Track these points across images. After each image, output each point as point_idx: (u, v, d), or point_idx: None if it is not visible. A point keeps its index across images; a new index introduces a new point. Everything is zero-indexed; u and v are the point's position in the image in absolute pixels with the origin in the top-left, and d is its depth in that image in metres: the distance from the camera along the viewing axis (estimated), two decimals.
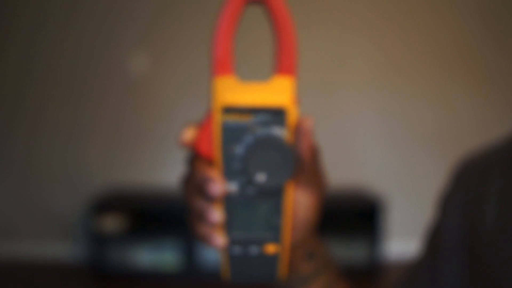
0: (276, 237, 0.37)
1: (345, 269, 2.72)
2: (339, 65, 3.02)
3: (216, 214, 0.34)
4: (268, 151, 0.33)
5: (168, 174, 3.02)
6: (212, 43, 0.39)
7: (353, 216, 2.95)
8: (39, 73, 2.95)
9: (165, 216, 2.86)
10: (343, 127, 3.05)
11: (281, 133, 0.34)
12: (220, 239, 0.35)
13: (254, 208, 0.36)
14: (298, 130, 0.34)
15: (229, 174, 0.34)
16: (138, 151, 3.01)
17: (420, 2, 3.02)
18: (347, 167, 3.07)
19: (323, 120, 3.04)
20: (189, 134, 0.35)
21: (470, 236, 0.49)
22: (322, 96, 3.04)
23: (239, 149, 0.34)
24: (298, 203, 0.38)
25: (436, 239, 0.53)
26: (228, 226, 0.36)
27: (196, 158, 0.36)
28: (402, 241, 3.07)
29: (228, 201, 0.35)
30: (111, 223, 2.65)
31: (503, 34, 3.06)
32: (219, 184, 0.33)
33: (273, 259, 0.38)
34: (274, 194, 0.35)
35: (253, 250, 0.37)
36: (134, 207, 2.88)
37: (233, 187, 0.35)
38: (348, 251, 2.74)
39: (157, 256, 2.71)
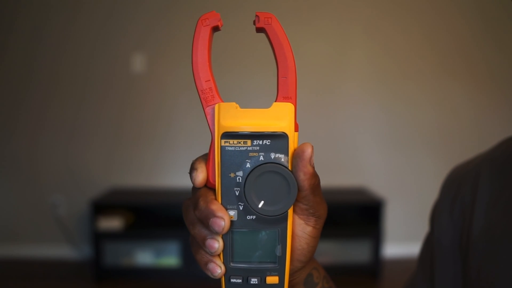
0: (278, 268, 0.35)
1: (345, 270, 2.71)
2: (339, 65, 3.02)
3: (216, 244, 0.33)
4: (269, 177, 0.32)
5: (167, 174, 3.02)
6: (193, 76, 0.38)
7: (353, 216, 2.95)
8: (39, 75, 2.95)
9: (165, 216, 2.86)
10: (343, 127, 3.05)
11: (283, 159, 0.33)
12: (218, 269, 0.35)
13: (255, 237, 0.34)
14: (298, 156, 0.33)
15: (228, 201, 0.33)
16: (138, 151, 3.00)
17: (421, 2, 3.02)
18: (347, 167, 3.07)
19: (323, 120, 3.04)
20: (202, 174, 0.34)
21: (461, 242, 0.49)
22: (322, 96, 3.03)
23: (238, 175, 0.33)
24: (298, 232, 0.36)
25: (430, 249, 0.54)
26: (228, 255, 0.35)
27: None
28: (403, 241, 3.06)
29: (228, 232, 0.34)
30: (111, 223, 2.65)
31: (503, 34, 3.06)
32: (223, 220, 0.32)
33: None
34: (276, 223, 0.34)
35: (254, 281, 0.35)
36: (134, 207, 2.88)
37: (232, 215, 0.34)
38: (348, 252, 2.74)
39: (157, 256, 2.71)
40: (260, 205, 0.33)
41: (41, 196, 3.00)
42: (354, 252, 2.73)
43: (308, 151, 0.33)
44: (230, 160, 0.33)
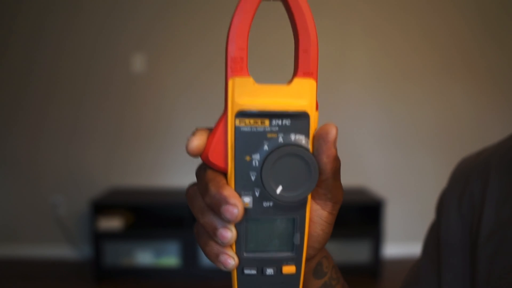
0: (295, 257, 0.33)
1: (345, 270, 2.72)
2: (339, 65, 3.02)
3: (229, 234, 0.30)
4: (289, 161, 0.30)
5: (167, 174, 3.02)
6: (227, 41, 0.30)
7: (353, 216, 2.95)
8: (39, 75, 2.95)
9: (165, 216, 2.86)
10: (343, 127, 3.05)
11: (304, 140, 0.30)
12: (231, 260, 0.31)
13: (271, 225, 0.32)
14: (322, 138, 0.30)
15: (243, 186, 0.30)
16: (138, 152, 3.01)
17: (421, 2, 3.02)
18: (347, 167, 3.07)
19: (323, 120, 3.04)
20: (198, 141, 0.31)
21: (470, 239, 0.48)
22: (322, 96, 3.04)
23: (255, 159, 0.30)
24: (314, 217, 0.34)
25: (436, 238, 0.53)
26: (241, 245, 0.32)
27: (208, 168, 0.32)
28: (402, 241, 3.06)
29: (242, 220, 0.31)
30: (111, 223, 2.65)
31: (503, 34, 3.06)
32: (236, 207, 0.29)
33: (293, 281, 0.34)
34: (294, 210, 0.31)
35: (269, 272, 0.33)
36: (134, 208, 2.88)
37: (247, 201, 0.31)
38: (349, 252, 2.74)
39: (157, 256, 2.71)
40: (278, 191, 0.30)
41: (41, 196, 3.00)
42: (354, 252, 2.73)
43: (332, 132, 0.30)
44: (245, 142, 0.30)
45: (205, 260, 2.67)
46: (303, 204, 0.31)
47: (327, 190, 0.33)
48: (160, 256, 2.71)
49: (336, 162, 0.32)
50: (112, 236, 2.65)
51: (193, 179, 2.83)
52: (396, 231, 3.06)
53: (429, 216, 3.11)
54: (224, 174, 0.31)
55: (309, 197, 0.32)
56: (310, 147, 0.31)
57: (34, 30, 2.92)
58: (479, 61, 3.06)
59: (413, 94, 3.07)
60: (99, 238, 2.64)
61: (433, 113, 3.08)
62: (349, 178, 3.06)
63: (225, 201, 0.29)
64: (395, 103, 3.07)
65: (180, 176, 2.97)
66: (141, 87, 2.98)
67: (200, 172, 0.32)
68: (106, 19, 2.93)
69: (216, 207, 0.30)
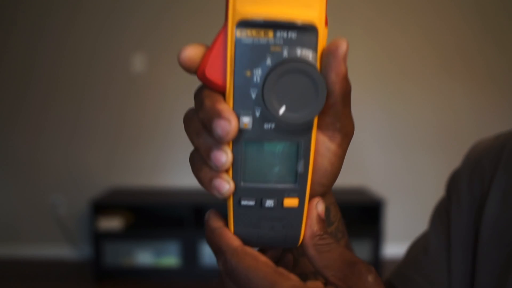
0: (298, 189, 0.30)
1: None
2: None
3: (223, 156, 0.28)
4: (294, 78, 0.27)
5: (168, 174, 3.02)
6: None
7: (353, 216, 2.95)
8: (39, 75, 2.95)
9: (165, 216, 2.86)
10: None
11: (311, 56, 0.27)
12: (226, 184, 0.29)
13: (272, 150, 0.29)
14: (330, 53, 0.27)
15: (242, 105, 0.28)
16: (139, 152, 3.01)
17: (421, 2, 3.02)
18: (347, 167, 3.06)
19: None
20: (193, 51, 0.28)
21: (475, 226, 0.48)
22: None
23: (256, 74, 0.27)
24: (321, 150, 0.31)
25: (445, 215, 0.52)
26: (238, 173, 0.29)
27: (205, 87, 0.29)
28: (403, 241, 3.06)
29: (240, 141, 0.28)
30: (111, 223, 2.65)
31: (503, 34, 3.06)
32: (228, 121, 0.27)
33: (295, 216, 0.31)
34: (298, 133, 0.29)
35: (269, 204, 0.30)
36: (134, 208, 2.88)
37: (246, 122, 0.28)
38: None
39: (157, 256, 2.71)
40: (281, 111, 0.27)
41: (41, 196, 3.00)
42: (354, 251, 2.73)
43: (343, 46, 0.27)
44: (246, 55, 0.27)
45: (205, 260, 2.67)
46: (308, 127, 0.29)
47: (335, 118, 0.30)
48: (160, 256, 2.71)
49: (346, 83, 0.29)
50: (112, 236, 2.65)
51: (193, 179, 2.83)
52: (396, 231, 3.06)
53: (429, 215, 3.11)
54: (223, 94, 0.28)
55: (315, 121, 0.29)
56: (318, 65, 0.28)
57: (35, 30, 2.92)
58: (479, 61, 3.07)
59: (413, 94, 3.07)
60: (99, 238, 2.64)
61: (433, 113, 3.08)
62: (349, 178, 3.06)
63: (218, 115, 0.27)
64: (395, 103, 3.07)
65: (181, 176, 2.97)
66: (141, 87, 2.98)
67: (198, 92, 0.30)
68: (107, 19, 2.93)
69: (208, 122, 0.27)
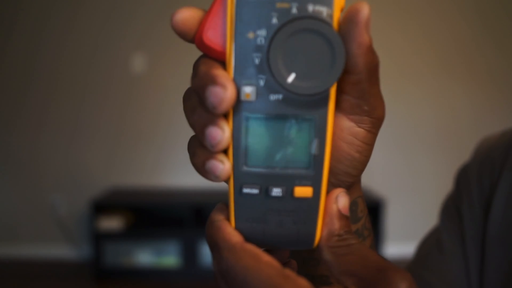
0: (313, 176, 0.25)
1: None
2: None
3: (219, 132, 0.24)
4: (305, 39, 0.22)
5: (168, 174, 3.02)
6: None
7: None
8: (40, 74, 2.95)
9: (165, 216, 2.86)
10: None
11: (325, 13, 0.23)
12: (219, 165, 0.24)
13: (280, 128, 0.24)
14: (349, 19, 0.23)
15: (243, 73, 0.24)
16: (139, 151, 3.01)
17: (420, 2, 3.02)
18: None
19: None
20: (188, 13, 0.24)
21: (481, 222, 0.48)
22: None
23: (260, 36, 0.23)
24: (347, 137, 0.26)
25: (455, 210, 0.52)
26: (240, 155, 0.25)
27: (204, 56, 0.26)
28: (403, 241, 3.06)
29: (241, 116, 0.24)
30: (112, 223, 2.65)
31: (503, 34, 3.06)
32: (223, 87, 0.22)
33: (309, 209, 0.25)
34: (312, 107, 0.24)
35: (276, 192, 0.25)
36: (134, 208, 2.88)
37: (248, 93, 0.24)
38: None
39: (157, 256, 2.71)
40: (290, 79, 0.23)
41: (41, 196, 3.00)
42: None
43: (364, 11, 0.23)
44: (249, 14, 0.23)
45: (205, 260, 2.67)
46: (323, 100, 0.24)
47: (362, 99, 0.25)
48: (160, 256, 2.71)
49: (372, 55, 0.24)
50: (112, 236, 2.65)
51: (194, 178, 2.84)
52: (396, 231, 3.06)
53: (430, 215, 3.11)
54: (224, 64, 0.24)
55: (333, 92, 0.24)
56: (333, 22, 0.23)
57: (35, 29, 2.91)
58: (478, 61, 3.07)
59: (412, 94, 3.07)
60: (99, 238, 2.64)
61: (432, 112, 3.09)
62: None
63: (212, 81, 0.23)
64: (394, 103, 3.07)
65: (181, 176, 2.96)
66: (142, 87, 2.98)
67: (196, 61, 0.26)
68: (107, 19, 2.93)
69: (201, 90, 0.23)
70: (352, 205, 0.31)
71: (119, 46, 2.94)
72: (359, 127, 0.26)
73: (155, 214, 2.90)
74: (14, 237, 3.03)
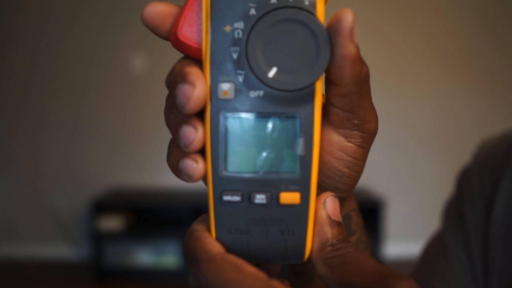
0: (300, 180, 0.23)
1: None
2: None
3: (192, 132, 0.22)
4: (286, 30, 0.21)
5: (168, 174, 3.01)
6: None
7: None
8: (40, 74, 2.95)
9: (165, 216, 2.86)
10: None
11: (309, 2, 0.21)
12: (192, 164, 0.23)
13: (262, 127, 0.22)
14: (332, 31, 0.21)
15: (221, 69, 0.22)
16: (140, 151, 3.01)
17: (420, 2, 3.02)
18: None
19: None
20: (158, 7, 0.23)
21: (483, 224, 0.48)
22: None
23: (237, 28, 0.21)
24: (335, 152, 0.25)
25: (458, 212, 0.51)
26: (219, 159, 0.23)
27: (184, 57, 0.24)
28: (403, 241, 3.06)
29: (218, 115, 0.22)
30: (112, 223, 2.65)
31: (503, 34, 3.06)
32: (192, 85, 0.21)
33: (297, 217, 0.23)
34: (296, 104, 0.22)
35: (260, 199, 0.23)
36: (135, 208, 2.88)
37: (226, 90, 0.22)
38: None
39: (157, 256, 2.71)
40: (271, 74, 0.21)
41: (41, 196, 3.00)
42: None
43: (347, 19, 0.21)
44: (225, 6, 0.21)
45: None
46: (308, 95, 0.22)
47: (351, 112, 0.24)
48: (160, 256, 2.71)
49: (359, 67, 0.22)
50: (112, 236, 2.65)
51: None
52: (396, 231, 3.06)
53: (429, 215, 3.11)
54: (201, 63, 0.23)
55: (320, 86, 0.22)
56: (316, 12, 0.22)
57: (35, 29, 2.92)
58: (478, 61, 3.07)
59: (412, 94, 3.07)
60: (99, 238, 2.64)
61: (432, 113, 3.09)
62: None
63: (182, 78, 0.22)
64: (394, 103, 3.07)
65: None
66: (142, 87, 2.98)
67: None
68: (107, 19, 2.93)
69: (172, 88, 0.23)
70: (345, 218, 0.30)
71: (120, 45, 2.94)
72: (349, 141, 0.25)
73: (156, 214, 2.91)
74: (14, 237, 3.03)
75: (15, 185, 3.01)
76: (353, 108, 0.24)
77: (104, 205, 2.69)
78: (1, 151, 3.00)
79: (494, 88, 3.09)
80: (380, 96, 3.06)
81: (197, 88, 0.21)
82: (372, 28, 3.02)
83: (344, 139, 0.25)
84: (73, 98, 2.97)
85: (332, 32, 0.21)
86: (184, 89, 0.21)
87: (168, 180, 3.02)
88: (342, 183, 0.26)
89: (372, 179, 3.09)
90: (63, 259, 2.98)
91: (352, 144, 0.25)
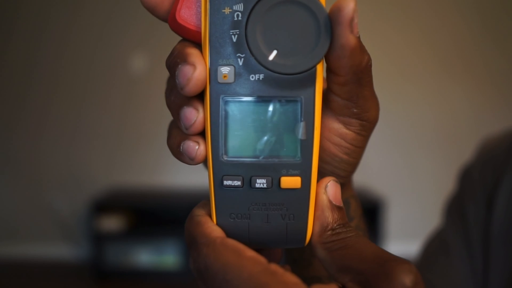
0: (301, 164, 0.22)
1: None
2: None
3: (193, 113, 0.22)
4: (286, 12, 0.20)
5: (169, 174, 3.02)
6: None
7: None
8: (41, 74, 2.95)
9: (165, 216, 2.86)
10: None
11: None
12: (194, 146, 0.23)
13: (263, 111, 0.22)
14: (332, 18, 0.21)
15: (220, 52, 0.21)
16: (140, 151, 3.01)
17: (419, 2, 3.02)
18: None
19: None
20: None
21: (485, 222, 0.48)
22: None
23: (237, 10, 0.21)
24: (334, 138, 0.25)
25: (460, 209, 0.51)
26: (219, 144, 0.22)
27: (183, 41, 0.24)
28: (402, 241, 3.06)
29: (218, 99, 0.22)
30: (112, 223, 2.65)
31: (503, 34, 3.06)
32: (192, 66, 0.21)
33: (298, 201, 0.23)
34: (297, 87, 0.22)
35: (260, 184, 0.23)
36: (134, 207, 2.88)
37: (226, 73, 0.22)
38: None
39: (157, 256, 2.71)
40: (271, 57, 0.21)
41: (41, 196, 3.00)
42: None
43: (348, 7, 0.20)
44: None
45: None
46: (310, 78, 0.22)
47: (350, 100, 0.24)
48: (160, 256, 2.71)
49: (359, 57, 0.22)
50: (112, 236, 2.65)
51: (195, 178, 2.84)
52: (396, 231, 3.06)
53: (429, 215, 3.10)
54: (200, 46, 0.22)
55: (321, 69, 0.22)
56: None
57: (35, 29, 2.92)
58: (478, 61, 3.07)
59: (412, 95, 3.07)
60: (99, 238, 2.64)
61: (432, 113, 3.09)
62: None
63: (182, 59, 0.21)
64: (394, 103, 3.07)
65: (182, 175, 2.96)
66: (142, 86, 2.98)
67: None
68: (107, 19, 2.93)
69: (172, 70, 0.22)
70: (344, 204, 0.29)
71: (120, 45, 2.94)
72: (348, 129, 0.25)
73: (156, 214, 2.91)
74: (14, 237, 3.03)
75: (15, 185, 3.01)
76: (352, 97, 0.24)
77: (104, 205, 2.69)
78: (1, 151, 3.00)
79: (494, 88, 3.09)
80: (380, 96, 3.04)
81: (197, 70, 0.21)
82: (372, 28, 3.01)
83: (343, 126, 0.25)
84: (73, 98, 2.97)
85: (332, 21, 0.21)
86: (184, 70, 0.21)
87: (168, 180, 3.02)
88: (341, 169, 0.26)
89: (372, 178, 3.09)
90: (63, 259, 2.98)
91: (350, 132, 0.25)
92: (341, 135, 0.25)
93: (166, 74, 0.26)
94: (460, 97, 3.08)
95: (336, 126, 0.25)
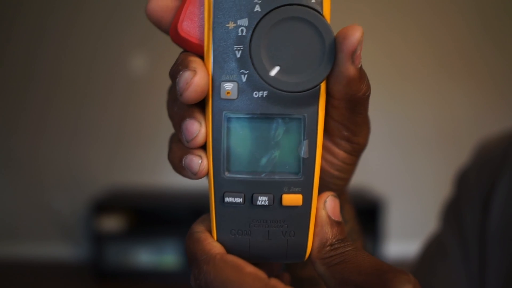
0: (303, 182, 0.22)
1: None
2: None
3: (195, 125, 0.22)
4: (291, 29, 0.20)
5: (168, 174, 3.02)
6: None
7: None
8: (41, 74, 2.95)
9: (165, 216, 2.86)
10: None
11: (315, 0, 0.20)
12: (197, 160, 0.23)
13: (266, 129, 0.22)
14: (337, 41, 0.21)
15: (223, 68, 0.21)
16: (141, 151, 3.01)
17: (419, 2, 3.02)
18: None
19: None
20: (162, 1, 0.23)
21: (481, 224, 0.48)
22: None
23: (241, 25, 0.21)
24: (327, 156, 0.25)
25: (458, 213, 0.51)
26: (221, 160, 0.23)
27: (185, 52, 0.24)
28: (402, 242, 3.06)
29: (221, 116, 0.22)
30: (112, 223, 2.65)
31: (503, 34, 3.06)
32: (193, 72, 0.21)
33: (299, 218, 0.23)
34: (299, 105, 0.21)
35: (262, 201, 0.23)
36: (134, 207, 2.88)
37: (229, 90, 0.21)
38: None
39: (157, 256, 2.71)
40: (273, 72, 0.21)
41: (41, 196, 3.00)
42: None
43: (354, 36, 0.20)
44: (228, 2, 0.21)
45: None
46: (313, 96, 0.21)
47: (341, 123, 0.24)
48: (160, 256, 2.71)
49: (356, 87, 0.22)
50: (112, 236, 2.65)
51: (195, 179, 2.83)
52: (396, 231, 3.06)
53: (429, 215, 3.10)
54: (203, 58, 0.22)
55: (324, 88, 0.22)
56: (323, 10, 0.21)
57: (35, 29, 2.92)
58: (478, 61, 3.07)
59: (412, 95, 3.07)
60: (99, 238, 2.64)
61: (432, 113, 3.09)
62: None
63: (184, 66, 0.21)
64: (394, 103, 3.07)
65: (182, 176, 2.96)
66: (142, 86, 2.98)
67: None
68: (108, 18, 2.93)
69: (174, 77, 0.22)
70: None
71: (120, 45, 2.95)
72: (339, 149, 0.25)
73: (156, 214, 2.91)
74: (14, 237, 3.03)
75: (15, 185, 3.01)
76: (343, 120, 0.24)
77: (104, 205, 2.69)
78: (1, 151, 3.00)
79: (494, 88, 3.09)
80: (380, 96, 3.06)
81: (197, 75, 0.21)
82: (372, 28, 3.01)
83: (334, 146, 0.25)
84: (73, 98, 2.97)
85: (336, 45, 0.21)
86: (184, 75, 0.21)
87: (168, 180, 3.02)
88: (333, 184, 0.27)
89: (372, 179, 3.09)
90: (63, 259, 2.98)
91: (341, 152, 0.25)
92: (332, 153, 0.25)
93: (166, 74, 0.26)
94: (460, 97, 3.09)
95: (328, 144, 0.25)
